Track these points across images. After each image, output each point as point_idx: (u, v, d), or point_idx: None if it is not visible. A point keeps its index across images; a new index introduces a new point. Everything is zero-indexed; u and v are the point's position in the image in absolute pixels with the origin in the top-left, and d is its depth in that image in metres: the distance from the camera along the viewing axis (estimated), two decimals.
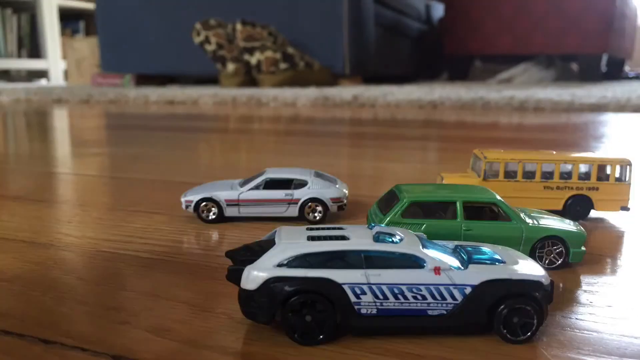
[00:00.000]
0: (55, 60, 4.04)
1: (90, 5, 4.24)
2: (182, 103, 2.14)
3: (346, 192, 0.50)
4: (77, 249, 0.42)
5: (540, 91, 2.07)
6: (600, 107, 1.66)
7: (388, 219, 0.37)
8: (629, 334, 0.29)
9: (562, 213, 0.47)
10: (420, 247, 0.29)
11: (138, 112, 1.81)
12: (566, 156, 0.48)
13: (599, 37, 2.96)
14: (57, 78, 4.07)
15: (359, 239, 0.29)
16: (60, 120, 1.57)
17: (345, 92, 2.08)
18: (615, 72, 3.54)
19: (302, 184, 0.49)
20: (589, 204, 0.48)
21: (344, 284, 0.28)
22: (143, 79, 3.18)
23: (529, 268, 0.29)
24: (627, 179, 0.48)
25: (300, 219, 0.49)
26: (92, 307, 0.32)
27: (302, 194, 0.48)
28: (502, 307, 0.28)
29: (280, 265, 0.28)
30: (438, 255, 0.29)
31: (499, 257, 0.30)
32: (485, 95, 1.87)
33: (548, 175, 0.49)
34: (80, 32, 4.43)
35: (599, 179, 0.48)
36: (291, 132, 1.20)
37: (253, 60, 2.63)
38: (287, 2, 2.76)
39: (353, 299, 0.28)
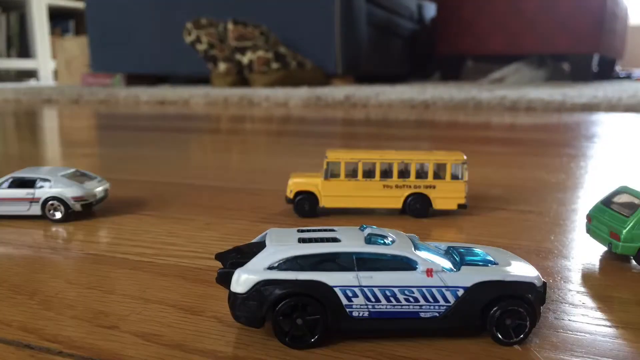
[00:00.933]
0: (44, 59, 4.01)
1: (80, 5, 4.21)
2: (173, 103, 2.13)
3: (100, 190, 0.51)
4: (65, 251, 0.42)
5: (532, 91, 2.07)
6: (592, 107, 1.67)
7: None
8: (622, 336, 0.28)
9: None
10: (413, 248, 0.29)
11: (128, 112, 1.79)
12: (404, 155, 0.50)
13: (590, 37, 2.97)
14: (46, 78, 4.04)
15: (350, 240, 0.29)
16: (50, 120, 1.56)
17: (338, 92, 2.08)
18: (606, 72, 3.57)
19: (44, 183, 0.50)
20: (427, 202, 0.50)
21: (335, 286, 0.27)
22: (133, 79, 3.16)
23: (521, 269, 0.29)
24: (462, 177, 0.49)
25: (44, 217, 0.49)
26: (80, 311, 0.31)
27: (43, 193, 0.49)
28: (494, 309, 0.27)
29: (270, 267, 0.28)
30: (430, 257, 0.29)
31: (492, 259, 0.30)
32: (477, 95, 1.87)
33: (387, 174, 0.50)
34: (70, 31, 4.40)
35: (436, 177, 0.50)
36: (283, 133, 1.19)
37: (245, 60, 2.62)
38: (279, 2, 2.75)
39: (344, 301, 0.27)
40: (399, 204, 0.50)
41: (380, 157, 0.49)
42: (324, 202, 0.50)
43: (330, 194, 0.50)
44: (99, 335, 0.29)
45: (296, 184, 0.50)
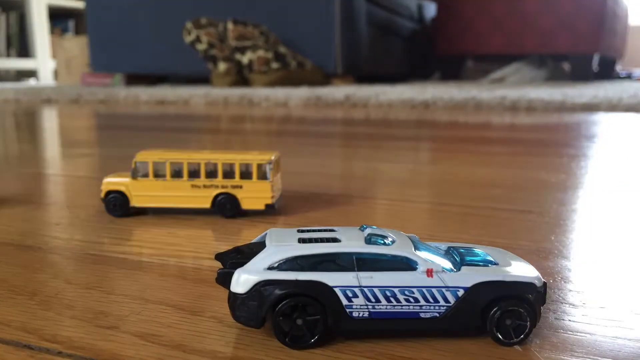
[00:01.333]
0: (44, 59, 4.01)
1: (80, 4, 4.21)
2: (173, 103, 2.13)
3: None
4: (65, 251, 0.42)
5: (532, 91, 2.07)
6: (592, 107, 1.67)
7: None
8: (622, 336, 0.28)
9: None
10: (413, 249, 0.29)
11: (128, 112, 1.79)
12: (211, 155, 0.50)
13: (590, 37, 2.97)
14: (46, 78, 4.05)
15: (350, 240, 0.29)
16: (50, 120, 1.56)
17: (338, 91, 2.08)
18: (606, 72, 3.57)
19: None
20: (235, 202, 0.50)
21: (336, 286, 0.27)
22: (133, 79, 3.16)
23: (522, 270, 0.29)
24: (268, 177, 0.50)
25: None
26: (80, 312, 0.31)
27: None
28: (495, 309, 0.27)
29: (270, 268, 0.28)
30: (430, 257, 0.29)
31: (492, 259, 0.30)
32: (477, 95, 1.87)
33: (195, 174, 0.50)
34: (70, 31, 4.40)
35: (242, 177, 0.50)
36: (283, 133, 1.19)
37: (245, 59, 2.62)
38: (279, 2, 2.75)
39: (345, 302, 0.27)
40: (207, 204, 0.50)
41: (188, 158, 0.50)
42: (134, 202, 0.51)
43: (140, 194, 0.51)
44: (98, 335, 0.29)
45: (107, 183, 0.51)
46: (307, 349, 0.27)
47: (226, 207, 0.50)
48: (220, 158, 0.50)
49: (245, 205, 0.50)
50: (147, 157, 0.50)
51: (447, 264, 0.29)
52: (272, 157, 0.50)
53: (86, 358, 0.26)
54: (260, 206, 0.50)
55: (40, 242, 0.44)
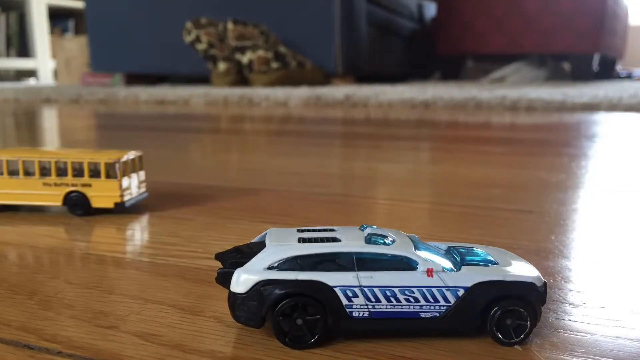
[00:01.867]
0: (44, 59, 4.01)
1: (79, 4, 4.21)
2: (172, 103, 2.13)
3: None
4: (64, 251, 0.42)
5: (532, 91, 2.07)
6: (592, 107, 1.67)
7: None
8: (623, 336, 0.28)
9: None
10: (413, 248, 0.28)
11: (128, 112, 1.79)
12: (62, 154, 0.51)
13: (590, 36, 2.97)
14: (46, 77, 4.04)
15: (350, 240, 0.29)
16: (50, 120, 1.56)
17: (338, 91, 2.08)
18: (606, 72, 3.57)
19: None
20: (85, 200, 0.51)
21: (335, 286, 0.27)
22: (133, 79, 3.16)
23: (522, 269, 0.29)
24: (116, 176, 0.51)
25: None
26: (79, 311, 0.31)
27: None
28: (495, 309, 0.27)
29: (270, 267, 0.28)
30: (430, 256, 0.29)
31: (492, 259, 0.30)
32: (477, 94, 1.87)
33: (46, 172, 0.52)
34: (70, 31, 4.40)
35: (92, 175, 0.51)
36: (283, 132, 1.19)
37: (244, 59, 2.62)
38: (279, 1, 2.75)
39: (345, 301, 0.27)
40: (59, 201, 0.52)
41: (39, 156, 0.51)
42: None
43: None
44: (98, 335, 0.29)
45: None
46: (307, 349, 0.27)
47: (77, 205, 0.51)
48: (70, 157, 0.51)
49: (95, 203, 0.51)
50: (1, 155, 0.52)
51: (448, 264, 0.29)
52: (124, 157, 0.51)
53: (86, 358, 0.26)
54: (110, 204, 0.51)
55: (39, 242, 0.44)
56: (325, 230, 0.30)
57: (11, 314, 0.31)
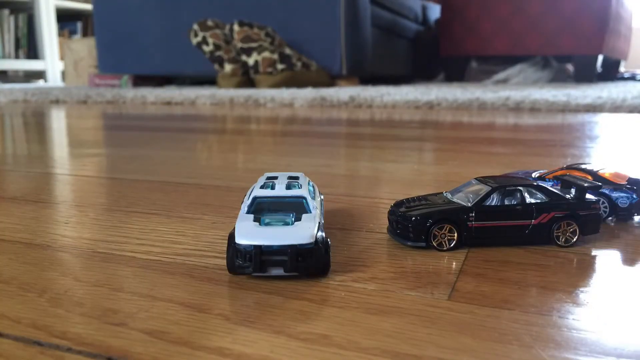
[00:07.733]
0: (52, 61, 4.03)
1: (87, 6, 4.24)
2: (179, 104, 2.14)
3: None
4: (74, 250, 0.42)
5: (536, 92, 2.07)
6: (596, 108, 1.66)
7: None
8: (627, 334, 0.29)
9: None
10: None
11: (135, 112, 1.80)
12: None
13: (594, 38, 2.97)
14: (54, 79, 4.07)
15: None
16: (58, 121, 1.57)
17: (342, 92, 2.08)
18: (610, 73, 3.56)
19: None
20: None
21: None
22: (140, 80, 3.17)
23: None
24: None
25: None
26: (89, 309, 0.32)
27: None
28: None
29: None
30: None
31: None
32: (481, 95, 1.87)
33: None
34: (78, 32, 4.42)
35: None
36: (288, 133, 1.20)
37: (250, 61, 2.63)
38: (284, 3, 2.76)
39: None
40: None
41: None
42: None
43: None
44: (107, 332, 0.29)
45: None
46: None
47: None
48: None
49: None
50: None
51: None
52: None
53: (95, 354, 0.27)
54: None
55: (49, 241, 0.44)
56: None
57: (22, 311, 0.32)
